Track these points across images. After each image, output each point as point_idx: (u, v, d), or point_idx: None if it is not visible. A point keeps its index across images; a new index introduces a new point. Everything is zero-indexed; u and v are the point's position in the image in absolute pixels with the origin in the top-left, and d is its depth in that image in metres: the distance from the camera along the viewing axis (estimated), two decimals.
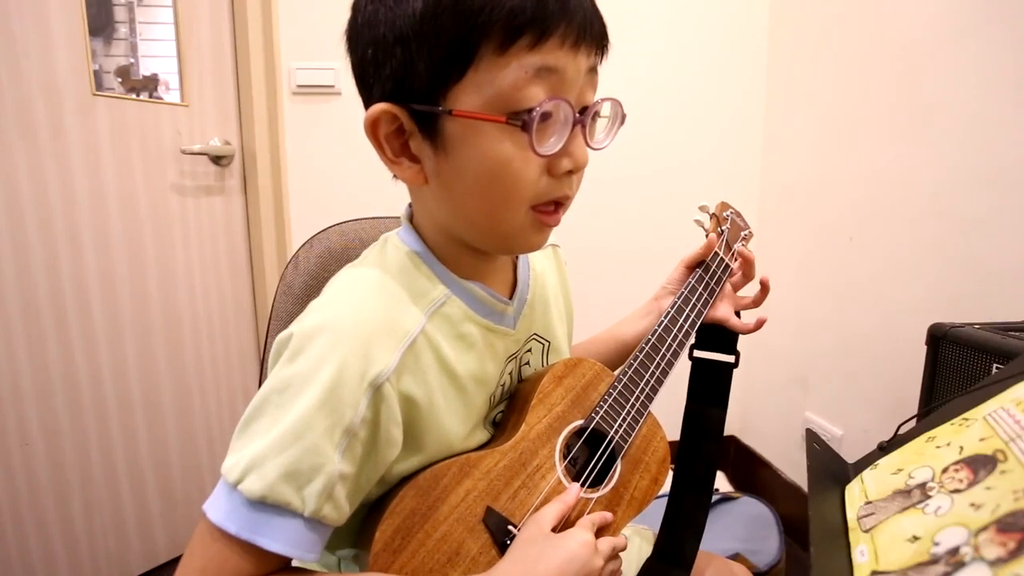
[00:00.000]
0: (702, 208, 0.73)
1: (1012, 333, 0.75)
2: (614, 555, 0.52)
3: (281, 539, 0.41)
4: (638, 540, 0.70)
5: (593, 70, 0.45)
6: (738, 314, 0.72)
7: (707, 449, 0.68)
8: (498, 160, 0.43)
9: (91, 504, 1.20)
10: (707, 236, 0.72)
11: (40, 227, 1.08)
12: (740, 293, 0.74)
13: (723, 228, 0.73)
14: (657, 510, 0.67)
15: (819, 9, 1.39)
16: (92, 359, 1.17)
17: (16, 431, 1.09)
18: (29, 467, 1.11)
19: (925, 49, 1.10)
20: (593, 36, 0.44)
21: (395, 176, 0.51)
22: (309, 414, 0.41)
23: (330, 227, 0.71)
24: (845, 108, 1.31)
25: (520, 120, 0.42)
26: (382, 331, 0.45)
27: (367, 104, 0.46)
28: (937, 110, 1.08)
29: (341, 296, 0.48)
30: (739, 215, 0.76)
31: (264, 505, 0.40)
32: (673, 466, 0.68)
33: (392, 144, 0.46)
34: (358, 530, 0.50)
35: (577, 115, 0.44)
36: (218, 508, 0.41)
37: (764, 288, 0.71)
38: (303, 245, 0.69)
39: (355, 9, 0.46)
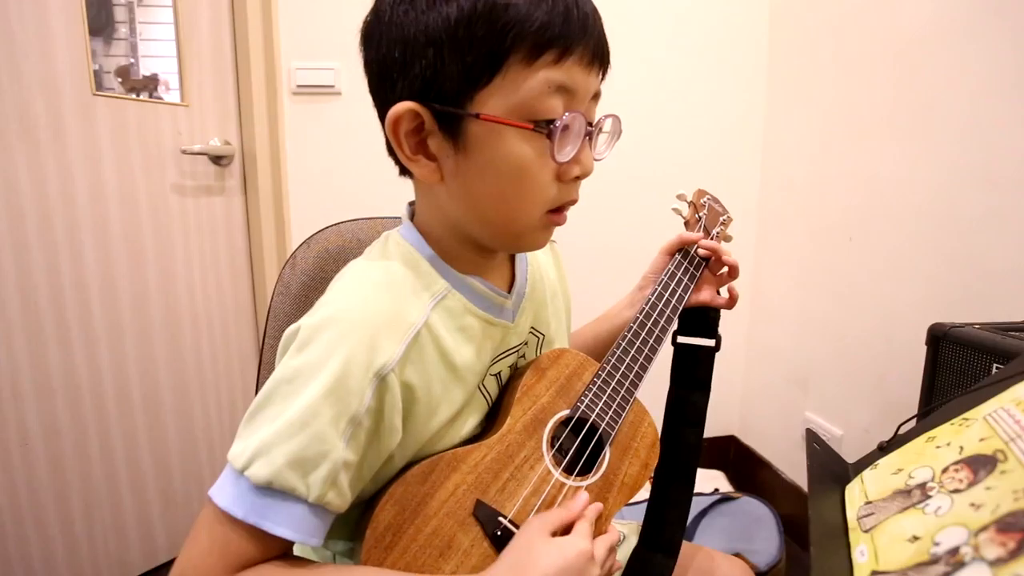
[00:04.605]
0: (680, 196, 0.75)
1: (1012, 333, 0.75)
2: (609, 553, 0.52)
3: (286, 524, 0.42)
4: (634, 538, 0.70)
5: (598, 92, 0.50)
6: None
7: (689, 434, 0.69)
8: (518, 163, 0.46)
9: (91, 504, 1.20)
10: (685, 223, 0.74)
11: (40, 227, 1.08)
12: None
13: (700, 215, 0.75)
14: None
15: (819, 9, 1.39)
16: (92, 359, 1.17)
17: (16, 431, 1.09)
18: (29, 467, 1.11)
19: (925, 49, 1.10)
20: (603, 58, 0.48)
21: (402, 173, 0.53)
22: (316, 403, 0.43)
23: (327, 227, 0.71)
24: (845, 108, 1.31)
25: (546, 129, 0.45)
26: (388, 324, 0.47)
27: (386, 101, 0.47)
28: (937, 110, 1.08)
29: (348, 291, 0.50)
30: (717, 201, 0.78)
31: (270, 490, 0.42)
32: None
33: (410, 141, 0.48)
34: (354, 526, 0.51)
35: (588, 127, 0.48)
36: (225, 493, 0.43)
37: (732, 271, 0.72)
38: (300, 245, 0.69)
39: (378, 8, 0.47)
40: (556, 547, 0.47)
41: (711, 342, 0.70)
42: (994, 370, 0.72)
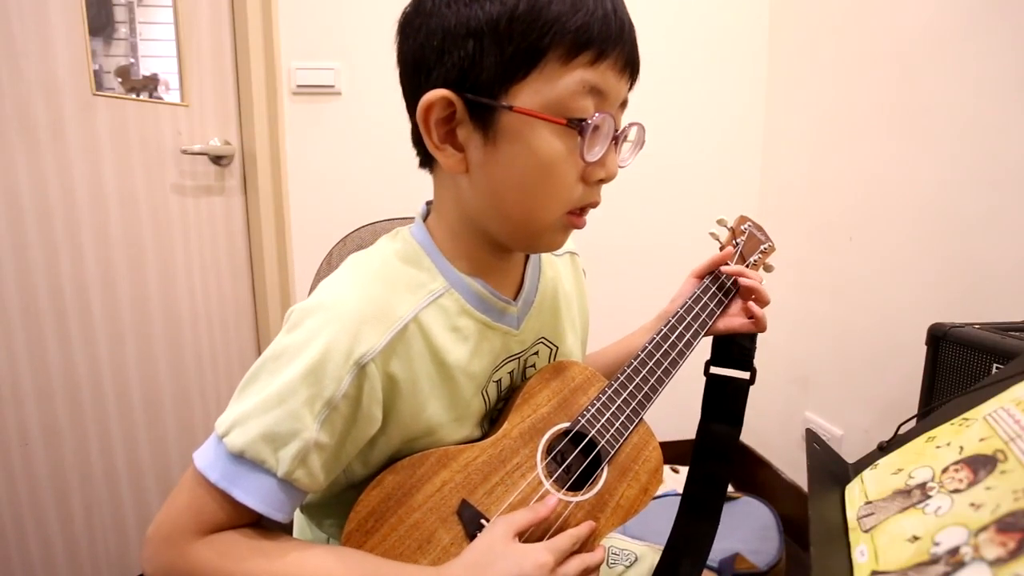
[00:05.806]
0: (720, 222, 0.73)
1: (1012, 333, 0.75)
2: (583, 573, 0.50)
3: (253, 494, 0.44)
4: (650, 560, 0.69)
5: (626, 100, 0.51)
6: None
7: (717, 469, 0.66)
8: (547, 158, 0.46)
9: (91, 504, 1.20)
10: (720, 248, 0.71)
11: (40, 227, 1.08)
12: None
13: (738, 241, 0.72)
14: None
15: (819, 9, 1.39)
16: (92, 359, 1.17)
17: (16, 431, 1.09)
18: (29, 467, 1.11)
19: (925, 49, 1.10)
20: (634, 67, 0.50)
21: (422, 165, 0.54)
22: (294, 382, 0.45)
23: (363, 227, 0.73)
24: (845, 108, 1.31)
25: (577, 126, 0.46)
26: (374, 316, 0.48)
27: (419, 88, 0.48)
28: (937, 110, 1.08)
29: (342, 279, 0.51)
30: (760, 229, 0.75)
31: (243, 459, 0.44)
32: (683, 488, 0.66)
33: (439, 130, 0.48)
34: (348, 508, 0.51)
35: (615, 132, 0.49)
36: (205, 456, 0.45)
37: (759, 298, 0.69)
38: (337, 243, 0.72)
39: (419, 1, 0.48)
40: (516, 555, 0.46)
41: (745, 375, 0.68)
42: (994, 370, 0.72)
